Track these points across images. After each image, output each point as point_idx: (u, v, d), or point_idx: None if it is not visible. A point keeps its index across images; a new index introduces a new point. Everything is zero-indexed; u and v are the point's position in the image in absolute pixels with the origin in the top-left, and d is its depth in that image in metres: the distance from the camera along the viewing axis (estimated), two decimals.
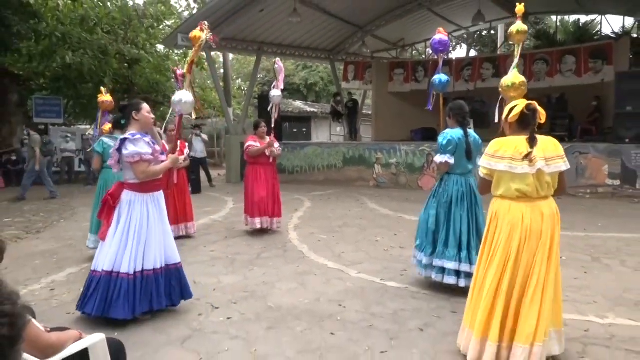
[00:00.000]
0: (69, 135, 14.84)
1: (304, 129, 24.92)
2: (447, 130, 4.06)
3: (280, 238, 6.34)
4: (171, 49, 16.33)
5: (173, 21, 17.55)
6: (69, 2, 13.38)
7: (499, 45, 18.67)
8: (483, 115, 12.50)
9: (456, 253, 3.95)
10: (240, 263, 5.15)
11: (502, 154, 2.73)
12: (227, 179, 14.09)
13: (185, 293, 3.75)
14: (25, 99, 16.12)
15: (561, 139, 2.89)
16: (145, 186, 3.55)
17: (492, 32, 20.24)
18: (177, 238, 5.92)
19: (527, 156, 2.64)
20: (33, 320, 1.80)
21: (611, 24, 15.44)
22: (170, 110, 4.55)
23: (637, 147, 9.21)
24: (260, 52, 14.99)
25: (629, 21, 15.28)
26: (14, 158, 13.82)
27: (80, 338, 2.03)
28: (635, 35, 14.57)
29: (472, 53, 20.16)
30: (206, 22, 3.92)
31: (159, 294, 3.55)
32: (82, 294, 3.55)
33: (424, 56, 18.69)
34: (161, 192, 3.74)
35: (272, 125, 6.45)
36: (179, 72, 4.46)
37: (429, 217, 4.11)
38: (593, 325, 3.40)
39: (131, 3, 15.72)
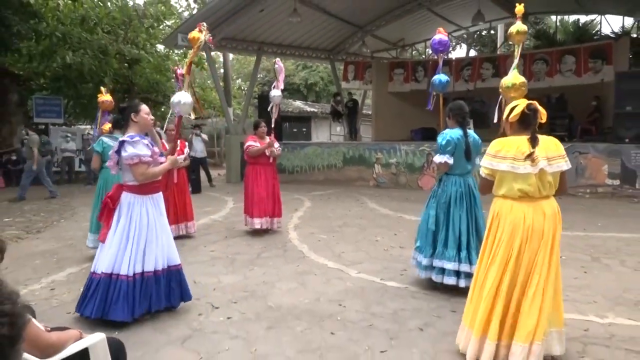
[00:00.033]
0: (69, 135, 14.84)
1: (304, 129, 24.92)
2: (447, 131, 4.06)
3: (280, 238, 6.35)
4: (171, 49, 16.34)
5: (173, 21, 17.56)
6: (69, 2, 13.38)
7: (498, 45, 18.68)
8: (483, 115, 12.50)
9: (456, 253, 3.95)
10: (240, 263, 5.15)
11: (504, 154, 2.73)
12: (227, 178, 14.09)
13: (185, 295, 3.75)
14: (25, 99, 16.12)
15: (561, 139, 2.89)
16: (144, 188, 3.55)
17: (492, 32, 20.23)
18: (177, 238, 5.93)
19: (530, 156, 2.65)
20: (33, 319, 1.80)
21: (611, 24, 15.46)
22: (171, 111, 4.55)
23: (636, 147, 9.21)
24: (260, 52, 15.00)
25: (629, 21, 15.29)
26: (14, 158, 13.82)
27: (81, 337, 2.03)
28: (634, 35, 14.58)
29: (472, 53, 20.18)
30: (204, 24, 3.92)
31: (158, 295, 3.55)
32: (81, 296, 3.55)
33: (423, 56, 18.69)
34: (160, 193, 3.74)
35: (272, 126, 6.45)
36: (179, 71, 4.46)
37: (429, 217, 4.12)
38: (593, 325, 3.41)
39: (131, 3, 15.73)
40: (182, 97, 3.73)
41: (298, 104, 26.04)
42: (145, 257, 3.51)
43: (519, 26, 3.39)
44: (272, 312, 3.72)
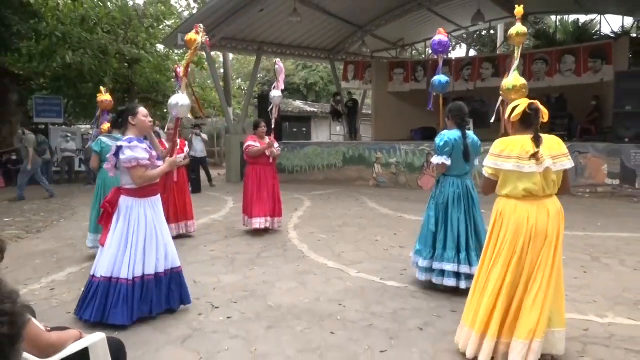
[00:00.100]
0: (69, 135, 14.85)
1: (304, 129, 24.93)
2: (445, 132, 4.05)
3: (280, 237, 6.35)
4: (171, 48, 16.34)
5: (173, 21, 17.57)
6: (69, 1, 13.38)
7: (498, 45, 18.68)
8: (483, 115, 12.43)
9: (455, 255, 3.95)
10: (240, 262, 5.15)
11: (508, 154, 2.73)
12: (227, 178, 14.09)
13: (185, 298, 3.75)
14: (25, 99, 16.12)
15: (560, 139, 2.89)
16: (142, 191, 3.54)
17: (492, 31, 20.23)
18: (177, 237, 5.96)
19: (535, 155, 2.65)
20: (33, 319, 1.81)
21: (610, 23, 15.46)
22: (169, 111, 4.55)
23: (636, 147, 9.21)
24: (260, 51, 15.00)
25: (629, 21, 15.30)
26: (14, 158, 13.82)
27: (81, 337, 2.03)
28: (634, 35, 14.58)
29: (472, 53, 20.18)
30: (201, 25, 3.91)
31: (159, 299, 3.55)
32: (80, 299, 3.55)
33: (423, 56, 18.70)
34: (158, 196, 3.73)
35: (272, 126, 6.45)
36: (179, 70, 4.45)
37: (429, 218, 4.12)
38: (593, 325, 3.41)
39: (131, 3, 15.74)
40: (180, 99, 3.73)
41: (298, 103, 26.05)
42: (145, 260, 3.50)
43: (518, 28, 3.39)
44: (272, 312, 3.72)
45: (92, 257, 4.61)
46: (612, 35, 14.19)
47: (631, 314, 3.58)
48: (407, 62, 16.23)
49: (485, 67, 14.13)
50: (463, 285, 3.91)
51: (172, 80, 14.08)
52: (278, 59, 6.54)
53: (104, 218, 3.59)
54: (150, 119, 3.77)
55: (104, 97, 5.81)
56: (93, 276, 3.50)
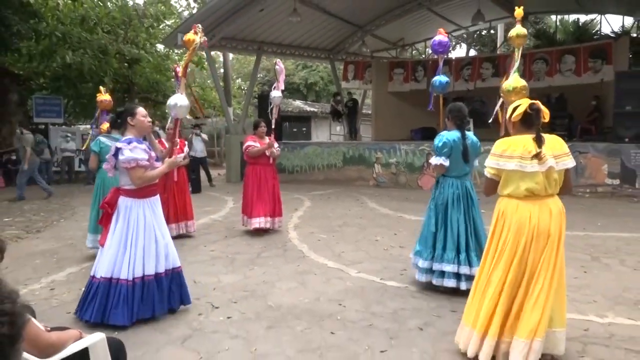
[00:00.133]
0: (69, 135, 14.85)
1: (304, 129, 24.93)
2: (444, 132, 4.05)
3: (280, 237, 6.35)
4: (171, 48, 16.35)
5: (173, 21, 17.58)
6: (69, 1, 13.39)
7: (498, 45, 18.67)
8: (483, 114, 12.41)
9: (455, 256, 3.95)
10: (240, 262, 5.15)
11: (510, 153, 2.73)
12: (227, 178, 14.09)
13: (185, 298, 3.75)
14: (25, 99, 16.12)
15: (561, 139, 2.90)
16: (141, 191, 3.54)
17: (492, 31, 20.23)
18: (177, 237, 5.96)
19: (537, 155, 2.65)
20: (33, 319, 1.81)
21: (610, 23, 15.44)
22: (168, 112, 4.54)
23: (636, 147, 9.21)
24: (260, 51, 15.00)
25: (629, 21, 15.29)
26: (14, 157, 13.81)
27: (81, 337, 2.03)
28: (634, 35, 14.57)
29: (472, 52, 20.16)
30: (199, 25, 3.90)
31: (161, 299, 3.55)
32: (81, 299, 3.55)
33: (423, 56, 18.69)
34: (157, 196, 3.73)
35: (272, 126, 6.45)
36: (178, 69, 4.45)
37: (430, 219, 4.12)
38: (592, 325, 3.41)
39: (131, 3, 15.74)
40: (179, 100, 3.72)
41: (298, 103, 26.04)
42: (145, 260, 3.50)
43: (518, 30, 3.39)
44: (272, 312, 3.72)
45: (92, 257, 4.61)
46: (612, 35, 14.19)
47: (631, 314, 3.58)
48: (407, 62, 16.23)
49: (485, 67, 14.13)
50: (463, 286, 3.90)
51: (172, 80, 14.08)
52: (278, 60, 6.54)
53: (104, 219, 3.60)
54: (149, 119, 3.77)
55: (104, 97, 5.81)
56: (93, 277, 3.51)
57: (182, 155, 6.05)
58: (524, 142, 2.72)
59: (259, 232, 6.46)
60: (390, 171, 11.80)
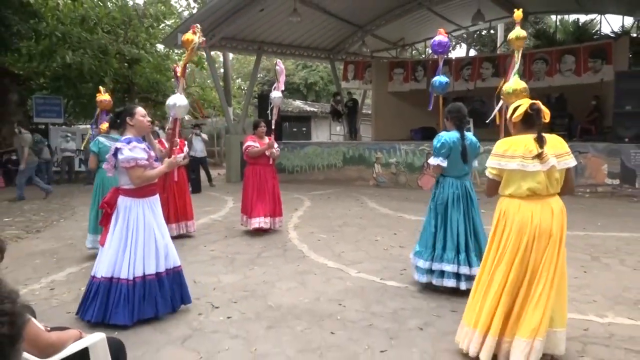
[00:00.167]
0: (69, 135, 14.85)
1: (304, 129, 24.92)
2: (442, 133, 4.05)
3: (280, 237, 6.35)
4: (171, 48, 16.34)
5: (173, 21, 17.57)
6: (69, 1, 13.39)
7: (498, 45, 18.67)
8: (483, 114, 12.42)
9: (454, 255, 3.95)
10: (240, 262, 5.15)
11: (512, 153, 2.73)
12: (227, 178, 14.09)
13: (185, 297, 3.75)
14: (25, 99, 16.13)
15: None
16: (140, 191, 3.54)
17: (492, 31, 20.22)
18: (177, 237, 5.96)
19: (539, 156, 2.65)
20: (33, 319, 1.81)
21: (610, 23, 15.43)
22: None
23: (636, 147, 9.21)
24: (260, 51, 14.99)
25: (629, 21, 15.28)
26: (14, 157, 13.80)
27: (81, 337, 2.03)
28: (634, 35, 14.56)
29: (472, 52, 20.16)
30: (198, 25, 3.90)
31: (164, 298, 3.55)
32: (82, 300, 3.56)
33: (423, 56, 18.69)
34: (157, 196, 3.73)
35: (273, 127, 6.45)
36: (178, 69, 4.45)
37: (430, 219, 4.12)
38: (592, 324, 3.41)
39: (131, 3, 15.73)
40: (177, 100, 3.72)
41: (298, 103, 26.03)
42: (145, 260, 3.50)
43: (518, 32, 3.39)
44: (272, 312, 3.72)
45: (92, 257, 4.61)
46: (612, 35, 14.19)
47: (631, 314, 3.58)
48: (407, 62, 16.23)
49: (485, 66, 14.12)
50: (463, 286, 3.90)
51: (172, 80, 14.08)
52: (279, 60, 6.54)
53: (104, 219, 3.60)
54: (149, 119, 3.77)
55: (103, 97, 5.81)
56: (94, 277, 3.51)
57: (182, 155, 6.06)
58: (525, 141, 2.72)
59: (259, 232, 6.46)
60: (390, 171, 11.80)
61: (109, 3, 14.79)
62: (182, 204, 6.48)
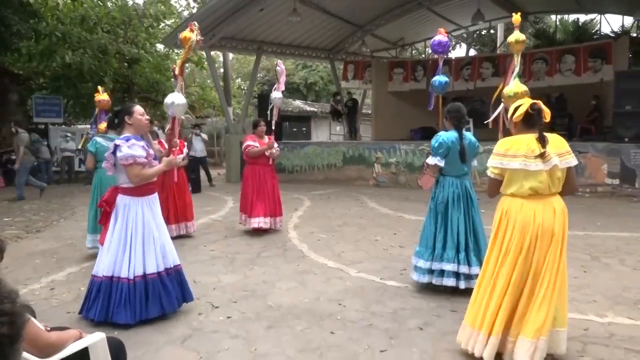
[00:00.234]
0: (69, 134, 14.85)
1: (304, 128, 24.92)
2: (441, 133, 4.05)
3: (280, 237, 6.35)
4: (171, 48, 16.34)
5: (173, 20, 17.57)
6: (69, 1, 13.40)
7: (498, 45, 18.68)
8: (482, 114, 12.42)
9: (454, 255, 3.95)
10: (240, 262, 5.15)
11: (514, 152, 2.73)
12: (227, 178, 14.10)
13: (187, 295, 3.75)
14: (25, 99, 16.13)
15: None
16: (139, 190, 3.54)
17: (492, 31, 20.22)
18: (177, 237, 5.95)
19: (542, 155, 2.65)
20: (33, 319, 1.80)
21: (610, 23, 15.50)
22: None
23: (636, 146, 9.21)
24: (260, 51, 14.99)
25: (628, 20, 15.29)
26: (14, 157, 13.80)
27: (81, 337, 2.03)
28: (634, 35, 14.57)
29: (472, 52, 20.16)
30: (195, 23, 3.89)
31: (169, 297, 3.54)
32: (84, 298, 3.56)
33: (423, 55, 18.69)
34: (156, 195, 3.73)
35: (273, 127, 6.44)
36: (176, 69, 4.45)
37: (430, 219, 4.12)
38: (592, 324, 3.41)
39: (131, 2, 15.74)
40: (175, 99, 3.71)
41: (298, 103, 26.02)
42: (145, 258, 3.50)
43: (517, 36, 3.39)
44: (272, 312, 3.72)
45: (92, 257, 4.61)
46: (612, 35, 14.19)
47: (631, 314, 3.59)
48: (407, 61, 16.23)
49: (485, 66, 14.12)
50: (462, 285, 3.91)
51: (172, 80, 14.07)
52: (279, 61, 6.54)
53: (103, 217, 3.60)
54: (147, 117, 3.76)
55: (102, 96, 5.81)
56: (95, 276, 3.51)
57: (182, 156, 6.06)
58: (527, 141, 2.72)
59: (259, 232, 6.46)
60: (390, 171, 11.80)
61: (108, 3, 14.80)
62: (182, 204, 6.47)
